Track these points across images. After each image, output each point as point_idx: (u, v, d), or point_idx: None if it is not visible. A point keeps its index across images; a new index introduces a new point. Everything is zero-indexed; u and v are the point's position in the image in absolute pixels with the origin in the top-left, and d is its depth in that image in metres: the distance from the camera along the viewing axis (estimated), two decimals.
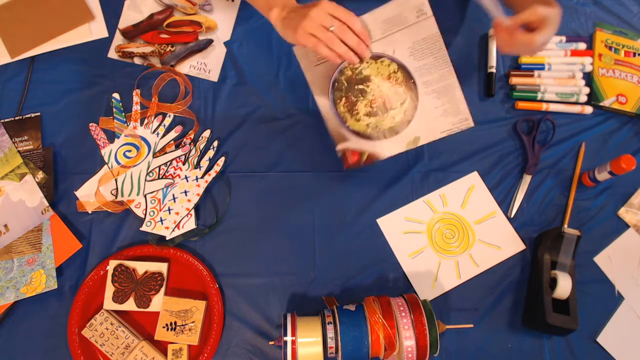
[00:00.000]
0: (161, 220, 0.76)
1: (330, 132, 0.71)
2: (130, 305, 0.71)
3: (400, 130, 0.68)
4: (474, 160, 0.82)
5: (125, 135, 0.80)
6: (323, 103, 0.70)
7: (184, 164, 0.79)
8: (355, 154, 0.70)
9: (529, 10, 0.63)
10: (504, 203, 0.80)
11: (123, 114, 0.82)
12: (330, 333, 0.63)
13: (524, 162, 0.82)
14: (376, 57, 0.66)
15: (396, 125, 0.68)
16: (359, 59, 0.64)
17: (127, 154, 0.79)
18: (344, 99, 0.69)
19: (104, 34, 0.85)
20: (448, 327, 0.70)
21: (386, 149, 0.70)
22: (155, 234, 0.75)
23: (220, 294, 0.73)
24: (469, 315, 0.75)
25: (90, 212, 0.76)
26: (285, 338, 0.63)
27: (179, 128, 0.81)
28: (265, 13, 0.70)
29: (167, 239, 0.75)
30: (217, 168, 0.79)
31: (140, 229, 0.75)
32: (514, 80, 0.85)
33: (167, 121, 0.81)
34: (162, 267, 0.73)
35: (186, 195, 0.77)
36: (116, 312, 0.72)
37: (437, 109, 0.68)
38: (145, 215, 0.76)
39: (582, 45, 0.88)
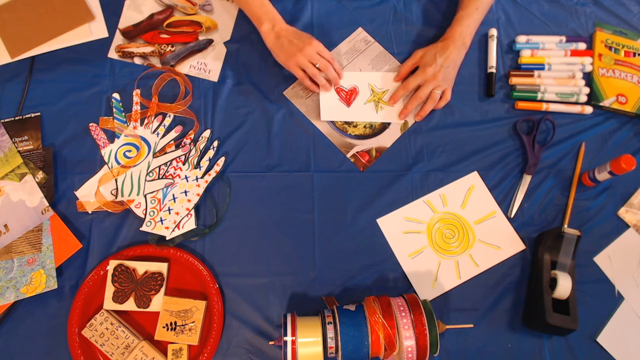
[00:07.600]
0: (161, 220, 0.76)
1: (337, 145, 0.81)
2: (130, 305, 0.71)
3: (391, 120, 0.84)
4: (474, 160, 0.82)
5: (125, 135, 0.80)
6: (322, 125, 0.83)
7: (184, 164, 0.79)
8: (365, 154, 0.80)
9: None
10: (504, 203, 0.80)
11: (123, 114, 0.82)
12: (330, 333, 0.63)
13: (524, 162, 0.82)
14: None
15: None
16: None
17: (127, 154, 0.79)
18: None
19: (104, 34, 0.85)
20: (448, 327, 0.70)
21: (387, 138, 0.82)
22: (155, 234, 0.75)
23: (220, 294, 0.73)
24: (469, 315, 0.75)
25: (90, 212, 0.76)
26: (285, 338, 0.63)
27: (179, 128, 0.81)
28: (256, 24, 0.81)
29: (167, 239, 0.75)
30: (217, 168, 0.79)
31: (140, 229, 0.75)
32: (514, 80, 0.85)
33: (167, 121, 0.81)
34: (162, 267, 0.73)
35: (186, 195, 0.77)
36: (116, 312, 0.72)
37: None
38: (145, 215, 0.76)
39: (582, 45, 0.88)
